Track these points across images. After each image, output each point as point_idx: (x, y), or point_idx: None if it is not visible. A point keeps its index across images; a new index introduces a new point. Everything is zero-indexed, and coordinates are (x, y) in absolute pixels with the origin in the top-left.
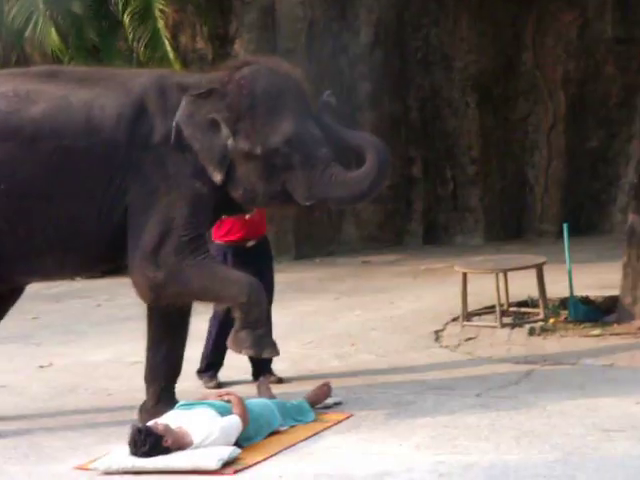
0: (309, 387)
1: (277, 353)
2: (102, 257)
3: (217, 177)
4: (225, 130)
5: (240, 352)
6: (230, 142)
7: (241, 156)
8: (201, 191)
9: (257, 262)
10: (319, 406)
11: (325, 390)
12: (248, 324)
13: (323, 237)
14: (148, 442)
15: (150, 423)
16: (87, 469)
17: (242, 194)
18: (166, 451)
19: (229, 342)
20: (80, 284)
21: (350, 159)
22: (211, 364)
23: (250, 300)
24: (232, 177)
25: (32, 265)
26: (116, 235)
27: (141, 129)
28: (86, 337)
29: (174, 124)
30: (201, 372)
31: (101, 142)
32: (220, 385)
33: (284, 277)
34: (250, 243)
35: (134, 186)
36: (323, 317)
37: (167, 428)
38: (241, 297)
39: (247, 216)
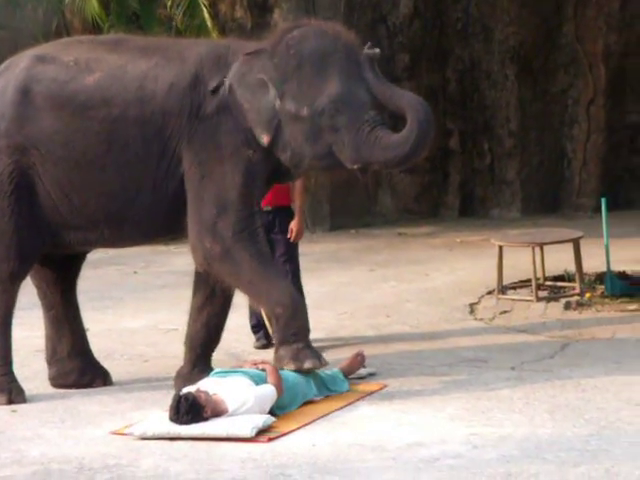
0: (343, 357)
1: (320, 364)
2: (161, 226)
3: (264, 139)
4: (272, 91)
5: (283, 368)
6: (277, 103)
7: (288, 117)
8: (253, 159)
9: (271, 233)
10: (353, 376)
11: (359, 360)
12: (285, 338)
13: (359, 208)
14: (191, 411)
15: (192, 390)
16: (123, 434)
17: (289, 156)
18: (204, 420)
19: (274, 361)
20: (116, 251)
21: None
22: (258, 325)
23: (287, 313)
24: (279, 139)
25: (89, 234)
26: (173, 204)
27: (194, 98)
28: (122, 304)
29: (227, 84)
30: (253, 329)
31: (152, 112)
32: (266, 346)
33: (319, 247)
34: (266, 209)
35: (188, 156)
36: (358, 288)
37: (208, 398)
38: (278, 307)
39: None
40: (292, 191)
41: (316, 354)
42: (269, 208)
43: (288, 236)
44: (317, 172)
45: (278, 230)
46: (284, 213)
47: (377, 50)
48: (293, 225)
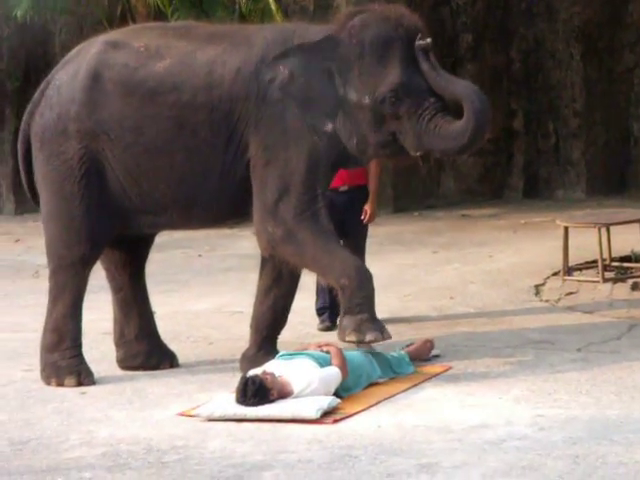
0: (406, 339)
1: (382, 337)
2: (228, 211)
3: (328, 127)
4: (338, 79)
5: (344, 340)
6: (341, 92)
7: (351, 106)
8: (318, 145)
9: (348, 211)
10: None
11: (428, 346)
12: (350, 309)
13: (422, 190)
14: (258, 394)
15: (258, 373)
16: (190, 415)
17: (355, 144)
18: (270, 402)
19: (337, 332)
20: (181, 234)
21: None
22: (324, 307)
23: (352, 283)
24: (344, 127)
25: (158, 218)
26: (240, 189)
27: (261, 83)
28: (188, 287)
29: (289, 72)
30: (318, 311)
31: (220, 97)
32: (330, 328)
33: (383, 230)
34: (343, 189)
35: (254, 140)
36: (421, 270)
37: (275, 380)
38: (343, 278)
39: None
40: (368, 170)
41: (379, 327)
42: (345, 188)
43: (362, 217)
44: (382, 158)
45: (353, 210)
46: (360, 193)
47: (429, 40)
48: (367, 207)
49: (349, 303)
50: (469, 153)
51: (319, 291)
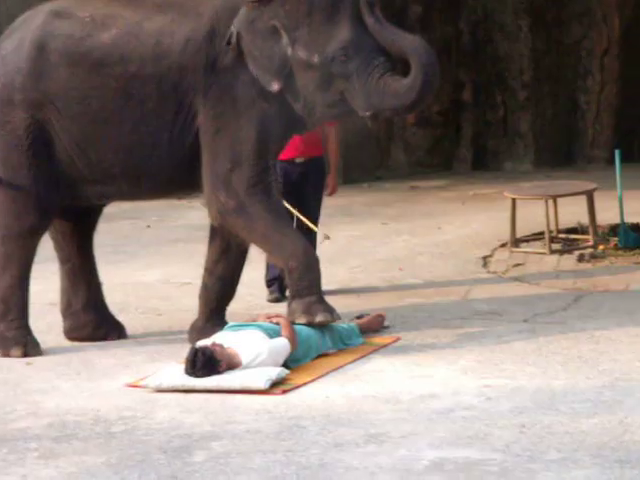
0: (356, 311)
1: (332, 319)
2: (178, 181)
3: (274, 86)
4: (285, 38)
5: (294, 323)
6: (289, 50)
7: (299, 65)
8: (268, 112)
9: (304, 183)
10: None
11: (379, 321)
12: (298, 291)
13: (371, 162)
14: (208, 365)
15: (208, 344)
16: (138, 386)
17: (302, 105)
18: (219, 373)
19: (286, 314)
20: (129, 205)
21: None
22: (273, 279)
23: (300, 266)
24: (292, 88)
25: (107, 188)
26: (190, 159)
27: (210, 52)
28: (136, 258)
29: (235, 32)
30: (267, 282)
31: (168, 67)
32: (279, 300)
33: (332, 202)
34: (299, 160)
35: (204, 110)
36: (371, 242)
37: (223, 352)
38: (292, 260)
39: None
40: (325, 142)
41: (328, 308)
42: (301, 159)
43: (325, 192)
44: (330, 120)
45: (308, 181)
46: (316, 164)
47: None
48: (329, 180)
49: (297, 286)
50: (418, 109)
51: (269, 263)
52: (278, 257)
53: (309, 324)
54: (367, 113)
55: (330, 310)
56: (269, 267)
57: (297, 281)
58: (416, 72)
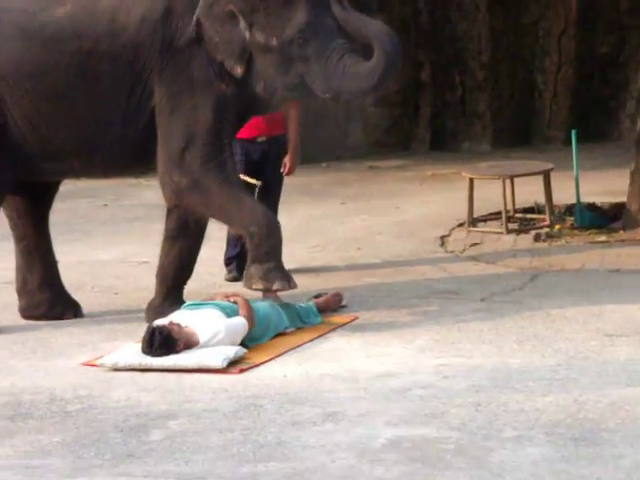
0: (314, 290)
1: (288, 286)
2: (132, 159)
3: (237, 70)
4: (242, 22)
5: (251, 287)
6: (247, 34)
7: (258, 49)
8: (226, 93)
9: (265, 162)
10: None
11: (337, 300)
12: (258, 257)
13: (329, 141)
14: (165, 345)
15: (166, 323)
16: (94, 365)
17: (262, 88)
18: (176, 352)
19: (243, 280)
20: (86, 184)
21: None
22: (232, 257)
23: (261, 232)
24: (252, 71)
25: (60, 165)
26: (144, 137)
27: (166, 31)
28: (92, 236)
29: (195, 18)
30: (226, 261)
31: (123, 45)
32: (237, 279)
33: (290, 180)
34: (260, 139)
35: (159, 89)
36: (329, 221)
37: (181, 331)
38: (252, 226)
39: None
40: (287, 120)
41: (286, 276)
42: (263, 138)
43: (281, 170)
44: (289, 101)
45: (269, 160)
46: (277, 143)
47: None
48: (287, 159)
49: (256, 251)
50: (378, 94)
51: (229, 241)
52: (238, 225)
53: (266, 290)
54: (327, 95)
55: (288, 278)
56: (229, 245)
57: (257, 246)
58: (379, 56)
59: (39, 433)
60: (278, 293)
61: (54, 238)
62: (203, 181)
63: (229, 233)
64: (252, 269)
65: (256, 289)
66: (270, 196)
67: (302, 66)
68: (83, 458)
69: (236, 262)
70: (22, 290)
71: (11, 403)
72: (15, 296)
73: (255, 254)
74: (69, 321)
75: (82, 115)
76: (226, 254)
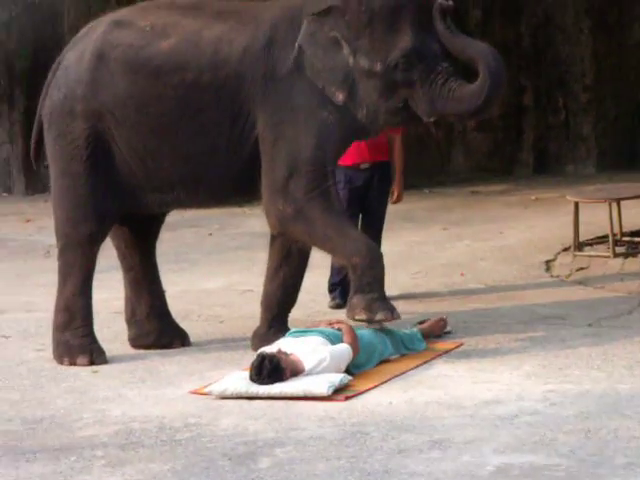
0: (418, 316)
1: (392, 317)
2: (236, 189)
3: (339, 97)
4: (346, 48)
5: (354, 318)
6: (351, 60)
7: (362, 74)
8: (328, 120)
9: (369, 189)
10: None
11: (441, 324)
12: (360, 287)
13: (432, 167)
14: (274, 374)
15: (274, 351)
16: (202, 393)
17: (365, 113)
18: (282, 380)
19: (346, 310)
20: (191, 213)
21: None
22: (335, 284)
23: (364, 262)
24: (354, 97)
25: (165, 196)
26: (248, 167)
27: (268, 61)
28: (198, 265)
29: (297, 45)
30: (330, 287)
31: (226, 75)
32: (340, 306)
33: (393, 207)
34: (364, 166)
35: (262, 118)
36: (432, 247)
37: (288, 359)
38: (356, 257)
39: None
40: (390, 147)
41: (389, 306)
42: (366, 165)
43: (390, 199)
44: (393, 127)
45: (373, 187)
46: (381, 170)
47: (451, 2)
48: (395, 188)
49: (359, 282)
50: (483, 116)
51: (333, 267)
52: (341, 255)
53: (369, 321)
54: (431, 119)
55: (391, 309)
56: (333, 271)
57: (360, 277)
58: (484, 77)
59: (150, 462)
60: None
61: (161, 267)
62: (307, 210)
63: (333, 260)
64: (355, 299)
65: (359, 320)
66: (374, 224)
67: (406, 90)
68: None
69: (340, 289)
70: (131, 320)
71: (122, 432)
72: (124, 326)
73: (358, 284)
74: (177, 350)
75: (186, 146)
76: (330, 281)
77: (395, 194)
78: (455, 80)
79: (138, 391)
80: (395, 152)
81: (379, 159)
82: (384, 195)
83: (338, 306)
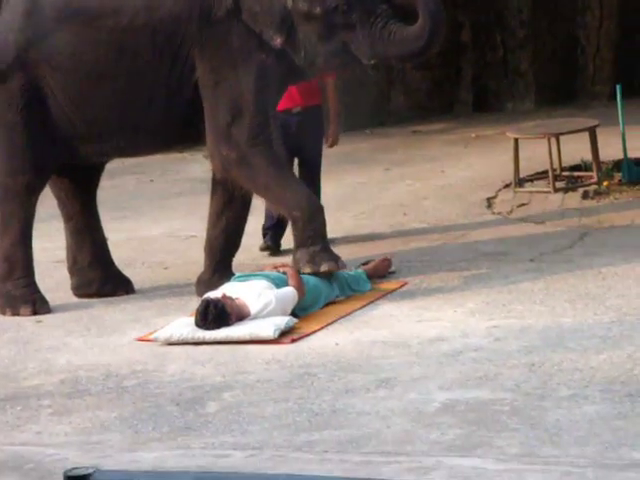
0: (362, 257)
1: (336, 267)
2: (177, 134)
3: (277, 40)
4: None
5: (299, 272)
6: (289, 3)
7: (300, 17)
8: (266, 63)
9: (303, 134)
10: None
11: (386, 265)
12: (303, 241)
13: (372, 108)
14: (219, 319)
15: (219, 296)
16: (148, 340)
17: (303, 57)
18: (228, 325)
19: (291, 263)
20: (132, 160)
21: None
22: (268, 227)
23: (304, 216)
24: (293, 40)
25: (105, 145)
26: (190, 112)
27: (204, 3)
28: (140, 212)
29: None
30: (263, 231)
31: (161, 19)
32: (269, 248)
33: (335, 149)
34: (296, 110)
35: (201, 62)
36: (374, 188)
37: (233, 304)
38: (296, 211)
39: None
40: (323, 91)
41: (333, 257)
42: (298, 109)
43: (326, 143)
44: (331, 70)
45: (306, 131)
46: (314, 114)
47: None
48: (330, 132)
49: (301, 235)
50: (424, 57)
51: (267, 212)
52: (282, 208)
53: (314, 273)
54: (371, 62)
55: (335, 258)
56: (267, 215)
57: (301, 231)
58: (424, 19)
59: (97, 409)
60: None
61: (103, 216)
62: (250, 157)
63: (266, 205)
64: (298, 254)
65: (305, 273)
66: (310, 169)
67: (345, 34)
68: (141, 432)
69: (271, 233)
70: (73, 268)
71: (68, 380)
72: (67, 275)
73: (300, 238)
74: (121, 298)
75: (124, 93)
76: (264, 224)
77: (330, 138)
78: (395, 22)
79: (83, 340)
80: (329, 96)
81: (311, 103)
82: (318, 140)
83: (267, 248)
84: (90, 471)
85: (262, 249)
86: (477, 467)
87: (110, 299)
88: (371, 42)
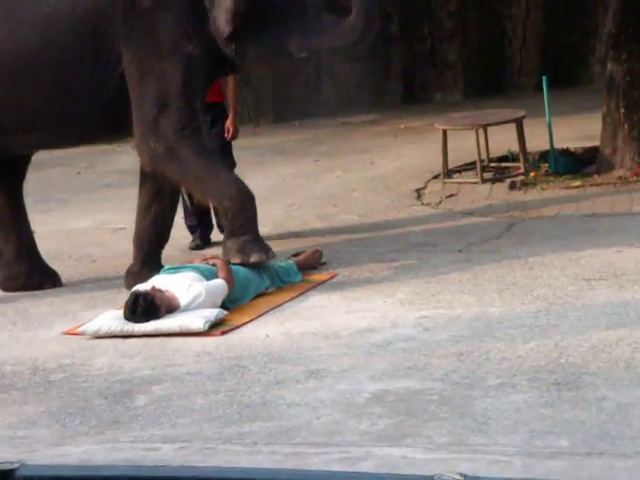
0: (293, 249)
1: (266, 258)
2: (104, 127)
3: (205, 32)
4: None
5: (229, 262)
6: None
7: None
8: (194, 54)
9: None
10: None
11: (317, 256)
12: (233, 231)
13: (301, 99)
14: (148, 311)
15: (148, 289)
16: (76, 334)
17: (234, 49)
18: (157, 318)
19: (221, 254)
20: (60, 152)
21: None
22: (194, 225)
23: (234, 205)
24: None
25: (29, 137)
26: (116, 104)
27: None
28: (67, 205)
29: None
30: (190, 229)
31: (85, 8)
32: (200, 247)
33: (264, 140)
34: None
35: (126, 53)
36: (304, 179)
37: (162, 296)
38: (227, 200)
39: None
40: (224, 88)
41: (263, 247)
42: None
43: (225, 135)
44: (261, 63)
45: (211, 127)
46: (217, 110)
47: None
48: (229, 124)
49: (232, 225)
50: (359, 47)
51: (186, 210)
52: (212, 198)
53: (243, 264)
54: (303, 55)
55: (265, 249)
56: (186, 214)
57: (232, 220)
58: (358, 11)
59: (23, 404)
60: None
61: (29, 208)
62: (178, 149)
63: (184, 202)
64: (229, 243)
65: (234, 263)
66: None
67: (277, 25)
68: (69, 426)
69: (199, 231)
70: None
71: None
72: None
73: (231, 228)
74: (48, 291)
75: (48, 84)
76: (186, 223)
77: (230, 130)
78: (327, 15)
79: (9, 333)
80: (229, 91)
81: (213, 100)
82: (222, 134)
83: (197, 247)
84: (15, 466)
85: (192, 248)
86: (406, 456)
87: (37, 292)
88: (303, 34)
